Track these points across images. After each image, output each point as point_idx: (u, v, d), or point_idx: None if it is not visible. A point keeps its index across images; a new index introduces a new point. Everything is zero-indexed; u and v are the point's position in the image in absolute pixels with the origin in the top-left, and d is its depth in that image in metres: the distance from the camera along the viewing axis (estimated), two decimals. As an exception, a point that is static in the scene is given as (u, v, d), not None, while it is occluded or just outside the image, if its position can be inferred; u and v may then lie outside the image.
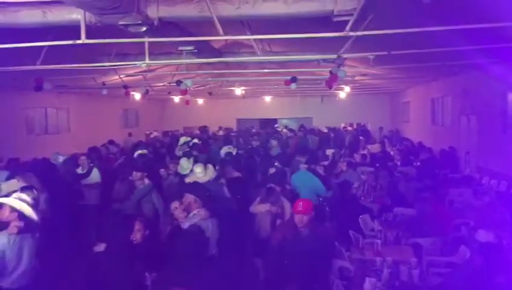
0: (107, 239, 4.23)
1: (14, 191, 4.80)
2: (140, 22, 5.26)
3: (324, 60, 9.42)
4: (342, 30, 5.58)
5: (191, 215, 4.98)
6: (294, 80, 11.13)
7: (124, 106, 20.81)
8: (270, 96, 23.11)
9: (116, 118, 20.80)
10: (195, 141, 11.94)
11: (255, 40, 7.32)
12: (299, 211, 4.63)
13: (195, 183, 6.02)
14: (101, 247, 4.26)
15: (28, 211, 4.24)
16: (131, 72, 12.41)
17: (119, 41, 6.09)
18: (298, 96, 21.61)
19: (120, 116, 21.37)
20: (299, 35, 5.80)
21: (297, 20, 5.92)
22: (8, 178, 6.61)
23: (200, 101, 23.30)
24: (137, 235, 4.30)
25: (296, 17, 5.36)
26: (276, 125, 22.90)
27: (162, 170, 8.46)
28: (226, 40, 8.89)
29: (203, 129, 19.55)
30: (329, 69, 9.59)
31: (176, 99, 20.57)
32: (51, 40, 6.27)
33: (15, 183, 6.00)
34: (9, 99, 13.59)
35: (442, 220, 6.51)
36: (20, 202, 4.25)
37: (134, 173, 6.63)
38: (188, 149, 10.37)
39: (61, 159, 9.34)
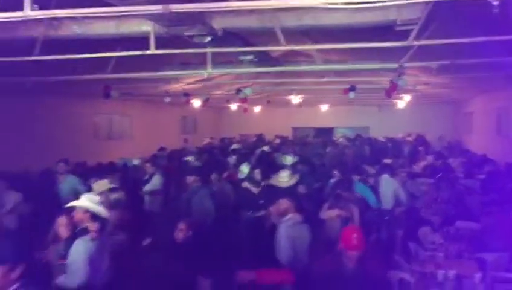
0: (153, 234, 4.50)
1: (102, 192, 5.08)
2: (205, 32, 5.48)
3: (384, 69, 9.33)
4: (402, 38, 5.54)
5: (286, 218, 5.09)
6: (353, 88, 11.08)
7: (183, 113, 21.40)
8: (327, 105, 23.00)
9: (175, 125, 21.42)
10: (265, 148, 12.17)
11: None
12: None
13: (289, 188, 6.24)
14: (147, 241, 4.56)
15: (101, 211, 4.48)
16: (191, 80, 12.81)
17: (184, 51, 6.34)
18: (355, 105, 21.37)
19: (179, 123, 21.98)
20: (361, 45, 5.80)
21: (356, 29, 5.95)
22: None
23: (257, 109, 23.56)
24: (179, 234, 4.53)
25: (358, 27, 5.38)
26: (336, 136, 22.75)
27: (213, 175, 8.66)
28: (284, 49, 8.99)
29: (259, 137, 19.73)
30: (389, 78, 9.48)
31: (233, 107, 20.92)
32: (120, 51, 6.65)
33: (105, 183, 6.45)
34: (79, 106, 14.38)
35: (509, 235, 6.25)
36: (92, 203, 4.50)
37: (188, 177, 6.94)
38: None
39: (135, 162, 9.86)
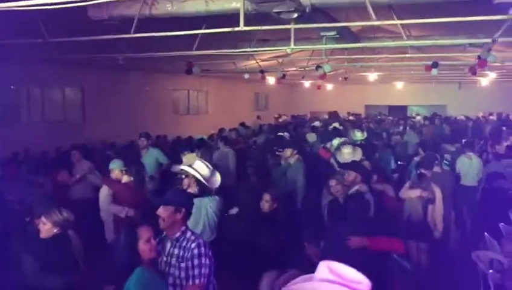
0: (240, 204, 4.74)
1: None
2: (293, 9, 5.53)
3: (470, 45, 8.91)
4: (492, 12, 5.29)
5: (353, 190, 5.26)
6: (435, 65, 10.68)
7: (256, 89, 21.66)
8: (401, 82, 22.30)
9: (248, 101, 21.75)
10: (336, 125, 12.12)
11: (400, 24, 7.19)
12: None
13: (355, 161, 6.29)
14: (234, 210, 4.83)
15: (203, 176, 4.82)
16: (266, 57, 12.91)
17: (272, 28, 6.43)
18: (433, 83, 20.55)
19: (252, 100, 22.28)
20: (456, 19, 5.56)
21: (443, 3, 5.76)
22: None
23: (329, 86, 23.31)
24: (265, 206, 4.79)
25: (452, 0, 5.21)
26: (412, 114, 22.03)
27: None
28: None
29: (333, 114, 19.56)
30: (476, 53, 9.05)
31: (306, 84, 20.83)
32: (207, 28, 6.86)
33: (194, 156, 6.85)
34: (160, 82, 15.00)
35: None
36: (196, 171, 4.84)
37: (285, 150, 7.13)
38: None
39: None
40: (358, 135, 10.19)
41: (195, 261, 3.32)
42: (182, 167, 5.02)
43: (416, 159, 7.72)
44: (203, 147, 8.30)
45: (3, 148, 9.09)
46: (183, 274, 3.34)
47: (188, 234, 3.47)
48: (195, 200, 4.60)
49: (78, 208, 5.34)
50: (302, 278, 1.79)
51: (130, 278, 3.13)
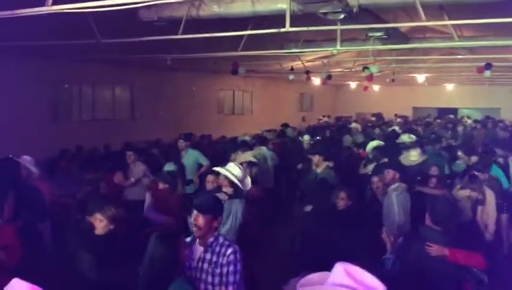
0: (314, 203, 4.89)
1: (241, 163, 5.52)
2: (339, 9, 5.46)
3: (527, 45, 8.52)
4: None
5: (394, 186, 5.45)
6: (489, 66, 10.28)
7: (301, 90, 21.56)
8: (452, 84, 21.58)
9: (292, 102, 21.68)
10: (396, 128, 11.98)
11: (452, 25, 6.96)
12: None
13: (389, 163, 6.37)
14: (308, 208, 4.99)
15: (237, 179, 4.88)
16: (312, 57, 12.83)
17: (318, 29, 6.39)
18: (486, 85, 19.77)
19: (296, 100, 22.20)
20: (508, 19, 5.33)
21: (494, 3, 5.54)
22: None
23: (375, 87, 22.88)
24: (340, 203, 5.10)
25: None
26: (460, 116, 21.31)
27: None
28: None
29: (378, 116, 19.22)
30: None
31: (352, 85, 20.55)
32: (252, 29, 6.90)
33: (247, 156, 6.96)
34: (206, 82, 15.21)
35: None
36: (230, 173, 4.89)
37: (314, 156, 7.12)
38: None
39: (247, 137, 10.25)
40: (406, 138, 10.01)
41: (231, 268, 3.31)
42: (217, 168, 5.08)
43: (459, 162, 7.66)
44: (244, 147, 8.35)
45: (55, 145, 9.48)
46: (216, 280, 3.32)
47: (221, 239, 3.45)
48: (227, 201, 4.67)
49: (131, 210, 5.52)
50: (317, 277, 1.76)
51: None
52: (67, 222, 5.90)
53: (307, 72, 13.26)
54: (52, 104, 10.68)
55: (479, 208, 5.81)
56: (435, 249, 3.83)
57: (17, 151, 5.84)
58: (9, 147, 6.54)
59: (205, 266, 3.37)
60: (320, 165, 7.05)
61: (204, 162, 7.93)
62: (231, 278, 3.30)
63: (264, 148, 8.81)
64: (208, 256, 3.39)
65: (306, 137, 10.04)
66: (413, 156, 7.11)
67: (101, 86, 12.20)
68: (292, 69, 13.33)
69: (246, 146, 8.64)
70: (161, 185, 6.10)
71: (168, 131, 12.44)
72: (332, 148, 9.29)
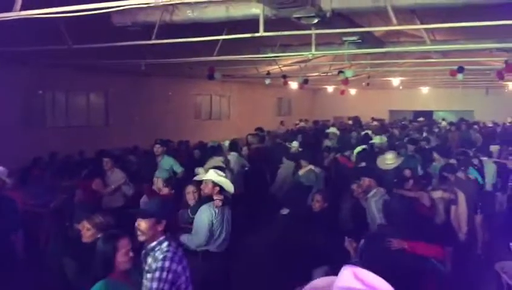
0: (291, 206, 4.92)
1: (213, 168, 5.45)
2: (313, 14, 5.49)
3: (498, 49, 8.70)
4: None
5: (372, 193, 5.53)
6: (461, 70, 10.47)
7: (278, 94, 21.61)
8: (427, 87, 21.95)
9: (270, 106, 21.72)
10: (369, 132, 12.12)
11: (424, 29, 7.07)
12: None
13: (367, 168, 6.40)
14: (285, 211, 5.01)
15: (227, 185, 4.83)
16: (289, 62, 12.88)
17: (292, 33, 6.41)
18: (460, 88, 20.16)
19: (274, 105, 22.25)
20: (481, 23, 5.42)
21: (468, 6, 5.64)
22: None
23: (352, 91, 23.11)
24: (316, 205, 5.18)
25: (473, 4, 5.10)
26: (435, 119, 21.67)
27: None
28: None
29: (355, 120, 19.38)
30: (503, 58, 8.84)
31: (329, 89, 20.71)
32: (227, 34, 6.88)
33: (218, 161, 6.90)
34: (183, 87, 15.12)
35: None
36: (221, 178, 4.83)
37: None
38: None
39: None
40: (377, 139, 10.21)
41: (156, 274, 3.21)
42: (207, 176, 4.96)
43: (435, 164, 7.79)
44: (217, 152, 8.35)
45: (28, 152, 9.28)
46: (148, 285, 3.23)
47: (164, 244, 3.37)
48: (214, 209, 4.63)
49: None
50: (321, 283, 1.74)
51: (94, 288, 3.08)
52: (48, 230, 5.80)
53: (284, 77, 13.31)
54: (25, 110, 10.47)
55: (452, 208, 5.93)
56: (394, 243, 4.00)
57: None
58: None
59: (146, 269, 3.31)
60: (303, 168, 7.12)
61: (179, 169, 7.82)
62: (154, 285, 3.19)
63: (234, 154, 8.77)
64: (149, 260, 3.34)
65: (295, 143, 10.08)
66: (389, 160, 7.20)
67: (74, 92, 12.01)
68: (269, 73, 13.36)
69: (218, 152, 8.63)
70: (166, 191, 5.98)
71: (145, 137, 12.29)
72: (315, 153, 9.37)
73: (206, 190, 4.81)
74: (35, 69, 9.84)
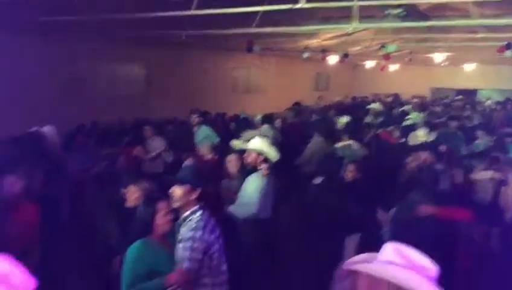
0: (324, 175, 4.97)
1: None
2: (356, -16, 5.35)
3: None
4: None
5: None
6: (510, 46, 10.01)
7: (317, 69, 21.31)
8: (471, 64, 21.12)
9: (308, 81, 21.47)
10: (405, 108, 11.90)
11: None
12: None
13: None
14: (318, 180, 5.09)
15: (272, 154, 4.90)
16: (329, 36, 12.63)
17: (334, 5, 6.28)
18: (507, 65, 19.30)
19: (312, 80, 21.98)
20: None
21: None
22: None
23: (392, 67, 22.52)
24: (348, 175, 5.31)
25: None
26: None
27: None
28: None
29: (395, 97, 18.98)
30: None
31: (369, 64, 20.25)
32: (268, 5, 6.79)
33: (254, 133, 6.97)
34: (221, 60, 15.12)
35: None
36: (266, 147, 4.89)
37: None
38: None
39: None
40: (413, 116, 10.08)
41: (188, 243, 3.22)
42: (251, 145, 4.98)
43: (478, 142, 7.59)
44: (249, 125, 8.38)
45: (70, 122, 9.55)
46: (181, 254, 3.25)
47: (198, 214, 3.37)
48: (263, 178, 4.68)
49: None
50: (364, 258, 1.76)
51: (130, 248, 3.18)
52: (91, 195, 6.04)
53: (323, 51, 13.08)
54: (69, 81, 10.74)
55: (503, 189, 5.73)
56: (423, 210, 4.00)
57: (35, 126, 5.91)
58: (27, 121, 6.61)
59: (179, 239, 3.33)
60: (342, 141, 7.12)
61: (215, 140, 7.90)
62: (186, 254, 3.21)
63: (266, 126, 8.77)
64: (182, 230, 3.35)
65: (344, 119, 10.00)
66: (420, 136, 7.12)
67: (115, 64, 12.20)
68: (308, 47, 13.16)
69: (250, 124, 8.68)
70: (210, 156, 6.07)
71: (182, 109, 12.42)
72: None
73: (250, 159, 4.86)
74: (79, 40, 10.06)
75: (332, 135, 8.28)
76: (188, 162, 6.03)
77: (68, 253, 5.11)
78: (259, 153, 4.83)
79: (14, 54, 8.87)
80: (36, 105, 9.16)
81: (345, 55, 13.50)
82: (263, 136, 7.92)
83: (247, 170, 4.91)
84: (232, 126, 10.37)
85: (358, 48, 14.22)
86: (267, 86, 18.33)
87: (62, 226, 5.31)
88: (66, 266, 4.96)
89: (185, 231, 3.32)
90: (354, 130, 8.60)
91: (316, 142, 8.55)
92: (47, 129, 5.73)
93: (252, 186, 4.66)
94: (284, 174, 9.15)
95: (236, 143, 6.16)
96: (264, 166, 4.78)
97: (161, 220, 3.27)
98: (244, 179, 4.82)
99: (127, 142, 7.64)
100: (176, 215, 3.40)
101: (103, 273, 3.99)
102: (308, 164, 8.10)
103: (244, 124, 8.93)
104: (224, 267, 3.49)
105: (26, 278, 1.66)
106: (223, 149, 7.59)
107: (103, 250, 4.11)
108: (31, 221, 4.25)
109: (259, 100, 16.98)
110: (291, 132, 10.03)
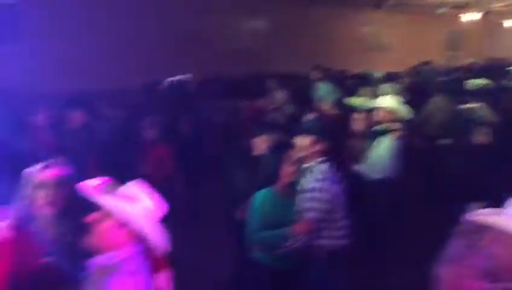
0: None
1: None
2: None
3: None
4: None
5: None
6: None
7: (449, 27, 19.70)
8: None
9: (439, 40, 19.94)
10: None
11: None
12: None
13: None
14: (443, 141, 4.86)
15: (402, 112, 4.79)
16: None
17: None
18: None
19: (444, 38, 20.39)
20: None
21: None
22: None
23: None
24: (480, 138, 4.68)
25: None
26: None
27: None
28: None
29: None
30: None
31: (509, 23, 18.18)
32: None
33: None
34: (347, 17, 14.67)
35: None
36: (396, 104, 4.78)
37: None
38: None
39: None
40: None
41: (313, 194, 3.18)
42: (382, 103, 4.84)
43: None
44: (368, 83, 8.04)
45: (195, 73, 9.99)
46: (303, 205, 3.23)
47: (324, 165, 3.31)
48: (395, 140, 4.57)
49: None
50: (490, 210, 1.71)
51: (256, 195, 3.25)
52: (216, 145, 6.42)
53: (461, 7, 12.01)
54: (189, 33, 11.10)
55: None
56: None
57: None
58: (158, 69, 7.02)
59: (301, 189, 3.32)
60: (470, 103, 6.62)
61: (337, 96, 7.79)
62: (311, 204, 3.19)
63: (387, 85, 8.39)
64: (304, 180, 3.31)
65: (479, 81, 9.22)
66: None
67: (237, 16, 12.33)
68: (442, 3, 12.16)
69: (369, 82, 8.35)
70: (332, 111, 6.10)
71: (305, 64, 12.35)
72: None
73: (379, 117, 4.74)
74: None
75: (458, 97, 7.68)
76: (311, 116, 6.01)
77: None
78: (390, 112, 4.68)
79: (130, 7, 9.41)
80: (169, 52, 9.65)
81: (486, 13, 12.20)
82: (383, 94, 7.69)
83: (373, 130, 4.78)
84: (351, 83, 10.08)
85: (501, 4, 12.81)
86: (394, 44, 17.45)
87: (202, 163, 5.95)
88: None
89: (309, 182, 3.29)
90: (488, 93, 7.85)
91: (435, 102, 8.04)
92: (186, 77, 6.11)
93: (384, 148, 4.55)
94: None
95: (355, 100, 5.99)
96: (395, 127, 4.62)
97: (287, 170, 3.33)
98: (369, 138, 4.72)
99: (252, 94, 7.83)
100: (299, 166, 3.44)
101: (229, 220, 4.16)
102: (426, 125, 7.68)
103: (365, 82, 8.61)
104: (343, 222, 3.45)
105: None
106: (343, 106, 7.53)
107: (229, 197, 4.28)
108: (165, 156, 5.04)
109: (386, 58, 16.26)
110: (412, 91, 9.48)
